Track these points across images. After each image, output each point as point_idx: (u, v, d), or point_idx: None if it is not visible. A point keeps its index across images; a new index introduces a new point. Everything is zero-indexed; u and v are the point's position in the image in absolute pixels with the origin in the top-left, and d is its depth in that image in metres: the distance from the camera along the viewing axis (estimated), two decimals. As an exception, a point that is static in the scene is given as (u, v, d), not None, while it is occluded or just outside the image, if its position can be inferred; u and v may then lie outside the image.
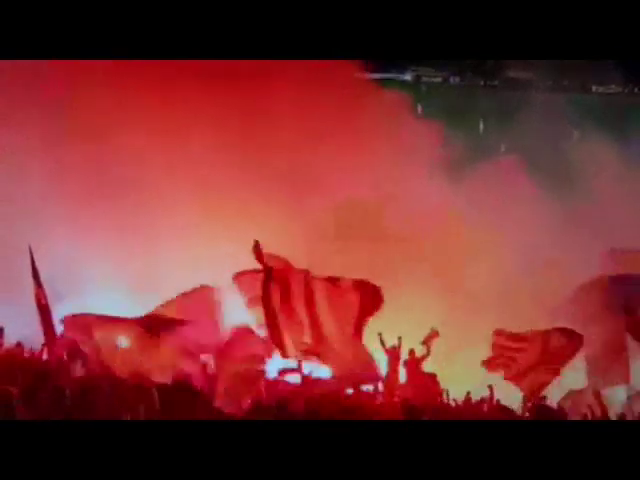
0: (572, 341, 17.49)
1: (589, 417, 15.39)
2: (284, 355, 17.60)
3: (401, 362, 18.93)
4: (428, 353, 19.02)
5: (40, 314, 17.05)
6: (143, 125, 20.37)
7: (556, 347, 17.50)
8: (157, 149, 20.52)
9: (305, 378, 17.17)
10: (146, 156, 20.32)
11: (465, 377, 18.32)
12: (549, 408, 15.86)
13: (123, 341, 16.53)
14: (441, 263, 20.52)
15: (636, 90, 30.66)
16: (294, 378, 17.38)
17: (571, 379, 17.60)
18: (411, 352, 19.14)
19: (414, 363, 19.06)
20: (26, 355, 17.31)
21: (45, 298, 17.04)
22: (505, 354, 17.71)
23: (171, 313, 16.98)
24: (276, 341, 17.54)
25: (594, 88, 30.41)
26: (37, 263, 17.97)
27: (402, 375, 18.90)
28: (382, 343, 18.79)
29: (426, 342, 18.96)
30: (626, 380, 17.35)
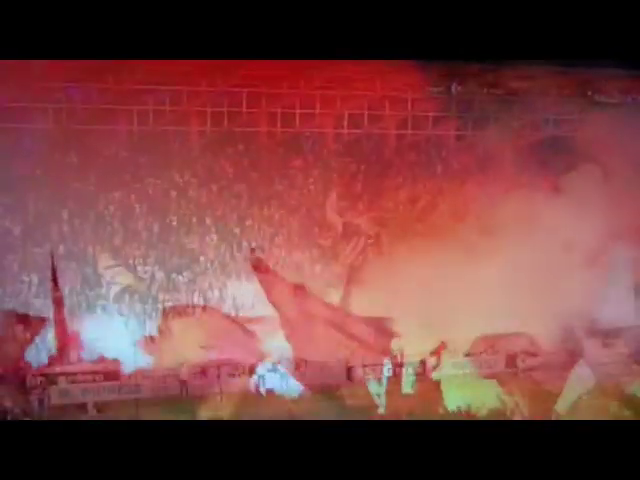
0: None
1: None
2: None
3: (409, 371, 18.84)
4: (438, 364, 19.11)
5: (55, 308, 18.81)
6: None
7: None
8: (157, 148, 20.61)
9: None
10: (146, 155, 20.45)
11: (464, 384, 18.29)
12: None
13: None
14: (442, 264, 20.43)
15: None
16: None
17: None
18: (422, 362, 19.20)
19: (424, 373, 19.13)
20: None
21: (61, 294, 18.74)
22: None
23: None
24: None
25: (596, 97, 30.44)
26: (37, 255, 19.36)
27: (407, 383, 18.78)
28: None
29: (436, 353, 19.02)
30: None
